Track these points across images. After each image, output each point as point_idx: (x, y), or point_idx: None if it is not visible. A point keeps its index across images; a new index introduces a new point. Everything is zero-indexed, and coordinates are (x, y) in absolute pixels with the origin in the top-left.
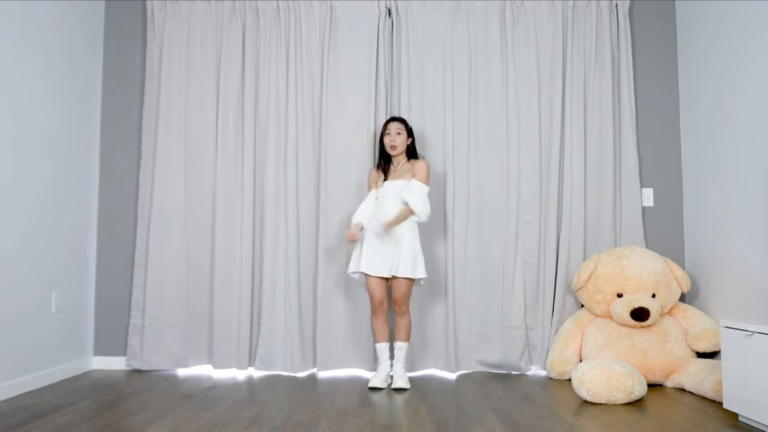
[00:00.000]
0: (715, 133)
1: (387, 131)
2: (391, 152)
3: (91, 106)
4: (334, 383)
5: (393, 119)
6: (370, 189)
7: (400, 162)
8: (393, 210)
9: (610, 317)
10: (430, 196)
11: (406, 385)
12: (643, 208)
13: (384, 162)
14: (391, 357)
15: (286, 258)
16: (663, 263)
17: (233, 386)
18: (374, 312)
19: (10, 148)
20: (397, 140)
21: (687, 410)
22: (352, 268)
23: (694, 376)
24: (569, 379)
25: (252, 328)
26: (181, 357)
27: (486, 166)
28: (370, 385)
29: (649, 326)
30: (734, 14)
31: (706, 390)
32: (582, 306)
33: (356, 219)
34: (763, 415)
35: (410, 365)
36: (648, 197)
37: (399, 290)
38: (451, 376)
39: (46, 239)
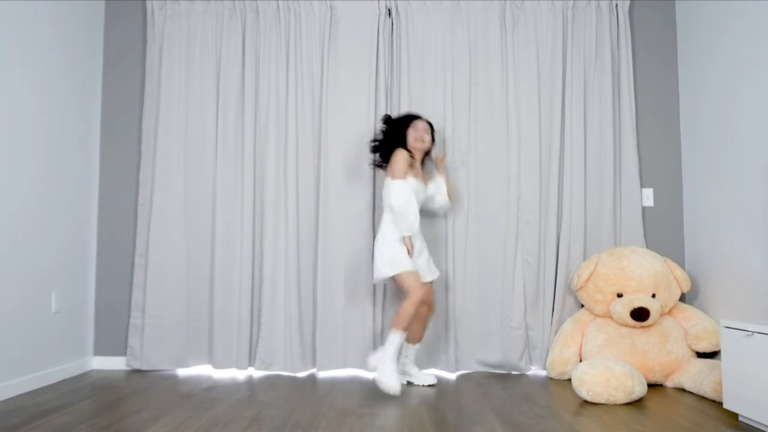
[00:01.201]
0: (715, 133)
1: (413, 126)
2: (418, 145)
3: (91, 106)
4: (334, 383)
5: (420, 118)
6: (405, 175)
7: (417, 160)
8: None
9: (610, 317)
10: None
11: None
12: (643, 208)
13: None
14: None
15: (286, 258)
16: (663, 263)
17: (233, 386)
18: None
19: (10, 147)
20: (426, 138)
21: (687, 410)
22: (411, 268)
23: (694, 376)
24: (569, 379)
25: (252, 328)
26: (181, 357)
27: (486, 166)
28: (397, 389)
29: (649, 326)
30: (734, 14)
31: (706, 390)
32: (582, 306)
33: (414, 221)
34: (763, 415)
35: None
36: (648, 197)
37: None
38: (451, 376)
39: (45, 239)
